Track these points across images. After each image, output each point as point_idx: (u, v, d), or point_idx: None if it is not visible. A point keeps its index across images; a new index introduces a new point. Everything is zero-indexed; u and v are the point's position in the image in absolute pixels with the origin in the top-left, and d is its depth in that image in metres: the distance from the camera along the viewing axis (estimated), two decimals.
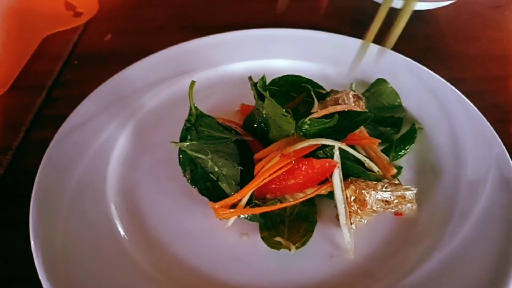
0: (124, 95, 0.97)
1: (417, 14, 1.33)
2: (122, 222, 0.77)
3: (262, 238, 0.74)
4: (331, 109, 0.81)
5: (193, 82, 0.80)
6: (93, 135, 0.88)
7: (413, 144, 0.86)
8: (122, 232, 0.75)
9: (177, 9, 1.39)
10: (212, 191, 0.76)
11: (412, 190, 0.75)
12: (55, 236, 0.71)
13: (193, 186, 0.77)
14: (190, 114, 0.81)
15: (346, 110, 0.82)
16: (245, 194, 0.74)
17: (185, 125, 0.81)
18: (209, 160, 0.77)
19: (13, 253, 0.77)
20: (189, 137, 0.79)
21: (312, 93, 0.90)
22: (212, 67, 1.04)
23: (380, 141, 0.80)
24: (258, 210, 0.73)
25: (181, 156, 0.79)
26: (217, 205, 0.73)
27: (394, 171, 0.79)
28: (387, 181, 0.77)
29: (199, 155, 0.77)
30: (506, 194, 0.74)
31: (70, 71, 1.15)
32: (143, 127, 0.94)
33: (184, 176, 0.78)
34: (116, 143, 0.89)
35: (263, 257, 0.72)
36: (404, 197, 0.75)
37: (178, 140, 0.80)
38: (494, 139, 0.82)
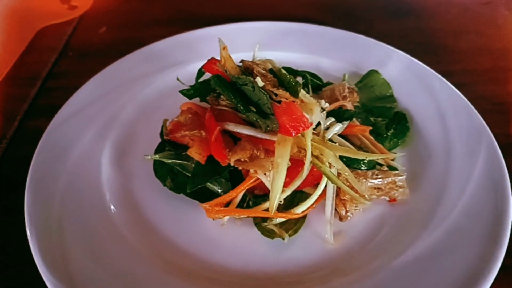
0: (118, 85, 0.98)
1: (409, 9, 1.36)
2: (116, 206, 0.78)
3: (255, 224, 0.75)
4: (331, 107, 0.84)
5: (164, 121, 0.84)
6: (87, 123, 0.89)
7: (405, 137, 0.88)
8: (116, 215, 0.76)
9: (172, 3, 1.39)
10: (201, 194, 0.76)
11: (402, 176, 0.77)
12: (50, 221, 0.72)
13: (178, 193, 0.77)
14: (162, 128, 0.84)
15: (337, 107, 0.85)
16: (238, 194, 0.74)
17: (161, 136, 0.83)
18: (193, 164, 0.78)
19: (9, 240, 0.77)
20: (167, 148, 0.81)
21: (310, 84, 0.91)
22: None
23: (371, 128, 0.81)
24: (254, 213, 0.73)
25: (157, 168, 0.81)
26: (207, 205, 0.73)
27: (393, 155, 0.81)
28: (377, 169, 0.79)
29: (180, 162, 0.79)
30: (494, 180, 0.76)
31: (65, 62, 1.16)
32: (136, 116, 0.95)
33: (165, 186, 0.79)
34: (109, 131, 0.90)
35: (256, 241, 0.73)
36: (395, 183, 0.77)
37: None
38: (482, 128, 0.84)
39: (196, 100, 0.86)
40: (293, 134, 0.68)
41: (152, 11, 1.36)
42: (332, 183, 0.71)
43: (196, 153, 0.75)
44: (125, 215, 0.77)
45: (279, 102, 0.70)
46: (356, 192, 0.73)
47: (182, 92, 0.85)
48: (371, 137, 0.82)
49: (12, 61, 1.14)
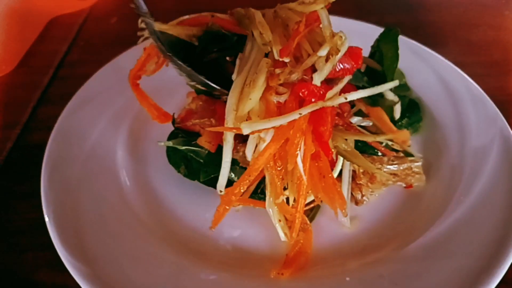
0: None
1: (419, 1, 1.36)
2: (131, 189, 0.79)
3: None
4: None
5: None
6: (101, 110, 0.89)
7: (419, 125, 0.89)
8: (131, 198, 0.77)
9: None
10: (215, 181, 0.74)
11: (418, 162, 0.77)
12: (66, 204, 0.72)
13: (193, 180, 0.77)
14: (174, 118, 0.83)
15: None
16: (253, 182, 0.72)
17: (173, 124, 0.82)
18: (206, 151, 0.77)
19: (26, 223, 0.77)
20: (180, 134, 0.80)
21: None
22: None
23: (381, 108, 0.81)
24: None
25: (170, 154, 0.80)
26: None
27: (408, 141, 0.80)
28: (393, 155, 0.79)
29: (194, 148, 0.78)
30: (509, 167, 0.76)
31: (77, 52, 1.17)
32: None
33: (179, 172, 0.78)
34: (124, 118, 0.90)
35: (271, 226, 0.72)
36: (411, 169, 0.77)
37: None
38: (496, 116, 0.84)
39: None
40: None
41: (162, 2, 1.36)
42: (347, 160, 0.71)
43: (206, 142, 0.75)
44: (140, 199, 0.77)
45: None
46: (373, 178, 0.74)
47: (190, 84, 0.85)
48: (386, 118, 0.81)
49: (23, 51, 1.14)
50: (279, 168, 0.67)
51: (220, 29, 0.79)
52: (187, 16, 0.84)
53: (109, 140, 0.85)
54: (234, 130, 0.65)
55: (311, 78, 0.65)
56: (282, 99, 0.66)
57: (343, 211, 0.67)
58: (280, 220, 0.69)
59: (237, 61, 0.71)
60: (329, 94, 0.67)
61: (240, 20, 0.78)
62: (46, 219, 0.69)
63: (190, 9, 1.32)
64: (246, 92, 0.65)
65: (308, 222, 0.70)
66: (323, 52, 0.64)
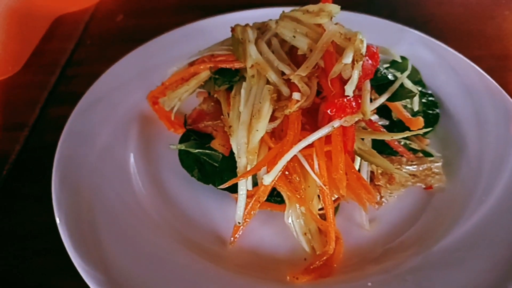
0: (140, 72, 0.96)
1: None
2: (146, 193, 0.77)
3: None
4: None
5: None
6: (111, 110, 0.87)
7: (436, 124, 0.86)
8: (146, 204, 0.75)
9: None
10: (231, 185, 0.72)
11: (438, 162, 0.75)
12: (78, 208, 0.70)
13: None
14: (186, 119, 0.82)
15: None
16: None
17: (185, 125, 0.81)
18: (220, 155, 0.75)
19: (34, 227, 0.76)
20: (192, 137, 0.79)
21: None
22: None
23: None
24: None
25: (182, 158, 0.78)
26: None
27: (426, 140, 0.79)
28: (412, 156, 0.77)
29: (207, 151, 0.76)
30: None
31: (83, 50, 1.15)
32: None
33: (192, 176, 0.76)
34: (134, 119, 0.88)
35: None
36: (431, 170, 0.75)
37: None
38: None
39: None
40: None
41: None
42: (364, 160, 0.70)
43: (219, 145, 0.74)
44: (155, 202, 0.75)
45: None
46: (391, 179, 0.72)
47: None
48: (400, 107, 0.79)
49: (29, 51, 1.12)
50: (297, 178, 0.66)
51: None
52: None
53: (121, 141, 0.83)
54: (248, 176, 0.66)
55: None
56: (274, 125, 0.66)
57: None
58: (306, 233, 0.67)
59: (242, 91, 0.69)
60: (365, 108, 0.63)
61: (235, 49, 0.73)
62: (58, 222, 0.67)
63: (196, 4, 1.31)
64: (254, 123, 0.65)
65: (341, 235, 0.68)
66: (348, 59, 0.61)
